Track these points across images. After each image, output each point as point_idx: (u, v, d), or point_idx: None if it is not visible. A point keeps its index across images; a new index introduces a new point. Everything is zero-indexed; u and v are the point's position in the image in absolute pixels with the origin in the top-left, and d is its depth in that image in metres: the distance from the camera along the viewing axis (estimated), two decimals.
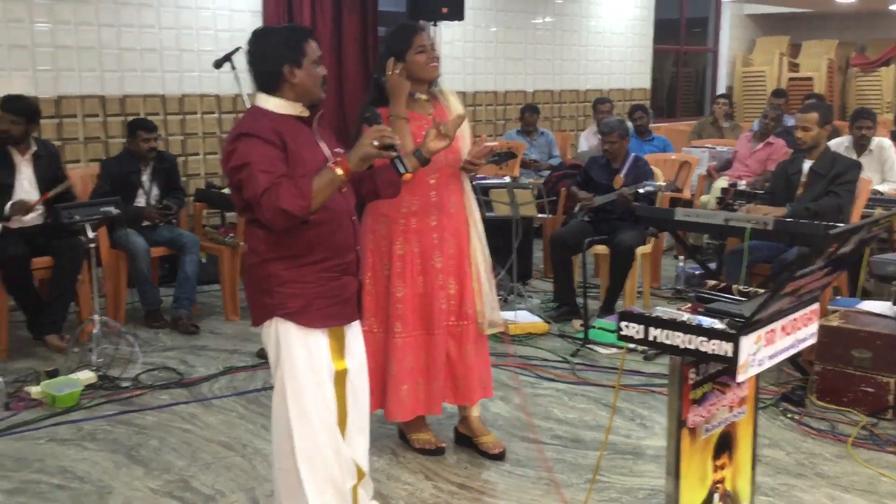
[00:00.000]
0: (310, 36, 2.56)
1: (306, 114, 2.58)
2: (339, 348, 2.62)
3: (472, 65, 8.81)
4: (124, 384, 4.28)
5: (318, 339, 2.56)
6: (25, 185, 4.83)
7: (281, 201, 2.32)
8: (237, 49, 4.94)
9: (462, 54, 8.67)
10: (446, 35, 8.21)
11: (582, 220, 5.43)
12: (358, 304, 2.68)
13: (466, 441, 3.57)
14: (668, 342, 2.13)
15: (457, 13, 7.61)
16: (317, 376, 2.54)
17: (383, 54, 3.31)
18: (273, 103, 2.54)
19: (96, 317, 4.53)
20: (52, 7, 5.99)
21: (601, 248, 5.38)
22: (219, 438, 3.68)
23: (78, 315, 5.09)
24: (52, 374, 4.26)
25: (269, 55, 2.52)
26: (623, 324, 2.19)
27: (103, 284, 5.11)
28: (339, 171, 2.38)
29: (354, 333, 2.71)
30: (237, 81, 4.97)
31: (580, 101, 9.88)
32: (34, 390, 4.10)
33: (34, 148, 4.88)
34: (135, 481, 3.30)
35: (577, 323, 5.16)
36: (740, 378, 2.06)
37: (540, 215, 5.51)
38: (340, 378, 2.62)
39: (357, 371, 2.69)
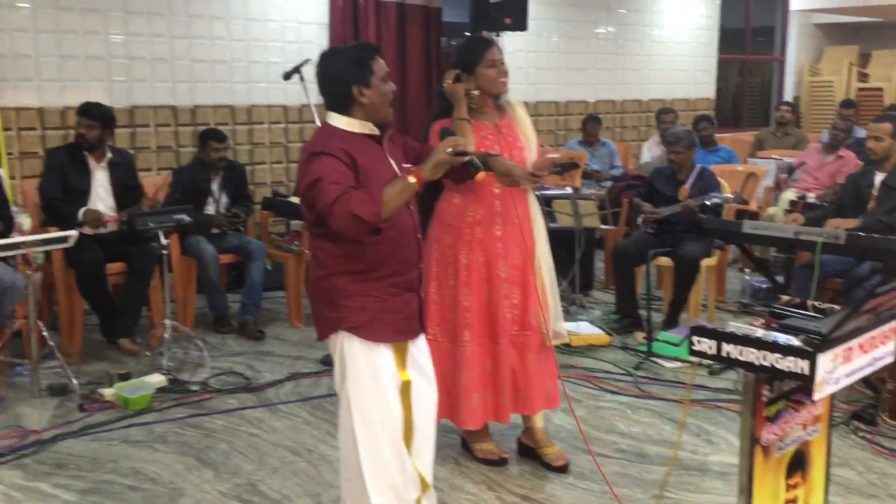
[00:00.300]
0: (377, 53, 2.60)
1: (376, 132, 2.61)
2: (402, 360, 2.65)
3: (535, 75, 8.81)
4: (193, 388, 4.38)
5: (383, 352, 2.59)
6: (100, 192, 4.98)
7: (352, 206, 2.37)
8: (306, 61, 5.03)
9: (524, 64, 8.68)
10: (509, 45, 8.22)
11: (645, 232, 5.39)
12: (420, 319, 2.72)
13: (529, 452, 3.57)
14: (741, 358, 2.10)
15: (520, 24, 7.63)
16: (381, 388, 2.58)
17: (453, 65, 3.34)
18: (344, 122, 2.58)
19: (167, 321, 4.65)
20: (126, 19, 6.18)
21: (665, 260, 5.33)
22: (285, 443, 3.75)
23: (149, 319, 5.23)
24: (125, 377, 4.38)
25: (338, 76, 2.56)
26: (695, 339, 2.18)
27: (174, 290, 5.24)
28: (412, 179, 2.44)
29: (420, 346, 2.74)
30: (305, 92, 5.05)
31: (642, 111, 9.80)
32: (107, 392, 4.22)
33: (110, 155, 5.02)
34: (204, 484, 3.37)
35: (639, 335, 5.12)
36: (817, 396, 2.03)
37: (603, 226, 5.48)
38: (405, 389, 2.65)
39: (423, 382, 2.72)
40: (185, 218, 4.63)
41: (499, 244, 3.34)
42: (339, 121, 2.59)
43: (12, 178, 5.69)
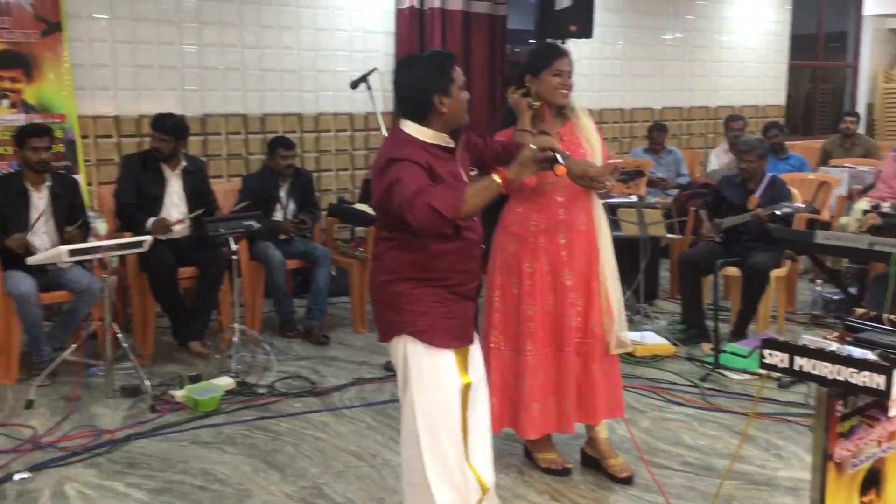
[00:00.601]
0: (455, 61, 2.61)
1: (451, 144, 2.62)
2: (463, 363, 2.67)
3: (600, 82, 8.75)
4: (261, 391, 4.46)
5: (445, 355, 2.62)
6: (174, 199, 5.11)
7: (433, 200, 2.35)
8: (373, 70, 5.12)
9: (589, 71, 8.63)
10: (574, 52, 8.16)
11: (713, 241, 5.31)
12: (474, 325, 2.75)
13: (593, 463, 3.55)
14: (814, 372, 2.06)
15: (586, 31, 7.58)
16: (444, 392, 2.61)
17: (521, 68, 3.35)
18: (415, 129, 2.58)
19: (236, 325, 4.75)
20: (200, 30, 6.34)
21: (733, 270, 5.24)
22: (349, 448, 3.79)
23: (219, 323, 5.34)
24: (195, 379, 4.48)
25: (420, 85, 2.55)
26: (766, 351, 2.14)
27: (242, 294, 5.34)
28: (497, 179, 2.39)
29: (475, 351, 2.76)
30: (372, 101, 5.12)
31: (710, 118, 9.65)
32: (178, 394, 4.32)
33: (183, 163, 5.15)
34: (271, 486, 3.43)
35: (706, 346, 5.04)
36: (893, 412, 1.98)
37: (669, 235, 5.42)
38: (465, 392, 2.67)
39: (477, 385, 2.73)
40: (254, 224, 4.72)
41: (563, 252, 3.33)
42: (412, 128, 2.58)
43: (89, 184, 5.88)
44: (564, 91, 3.30)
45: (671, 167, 8.07)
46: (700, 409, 4.24)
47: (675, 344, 5.07)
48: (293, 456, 3.71)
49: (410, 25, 7.15)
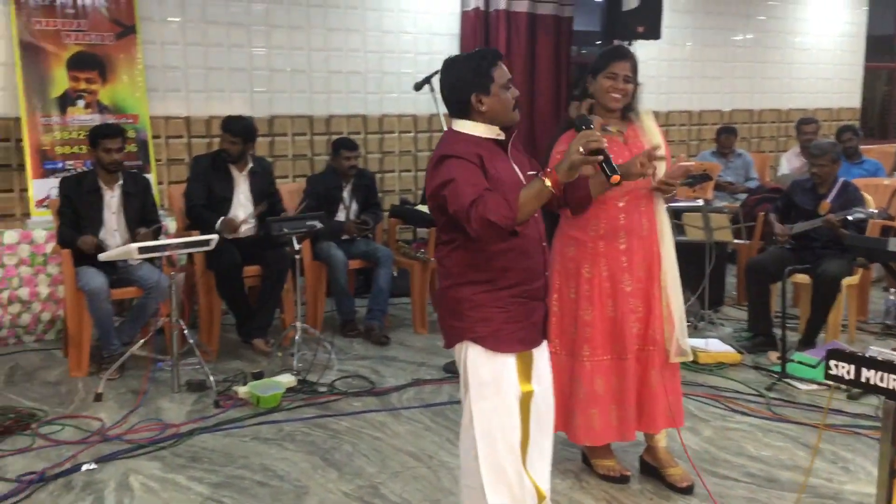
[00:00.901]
0: (498, 59, 2.57)
1: (502, 137, 2.61)
2: (526, 371, 2.64)
3: (667, 84, 8.63)
4: (321, 389, 4.51)
5: (506, 362, 2.59)
6: (241, 199, 5.21)
7: (488, 213, 2.33)
8: (436, 72, 5.09)
9: (656, 73, 8.51)
10: (641, 54, 8.02)
11: (782, 247, 5.18)
12: (544, 328, 2.71)
13: (652, 471, 3.49)
14: (882, 385, 1.99)
15: (654, 32, 7.48)
16: (503, 399, 2.58)
17: (587, 70, 3.33)
18: (469, 126, 2.58)
19: (298, 324, 4.81)
20: (269, 33, 6.44)
21: (802, 278, 5.11)
22: (407, 448, 3.80)
23: (282, 321, 5.42)
24: (258, 376, 4.56)
25: (457, 85, 2.56)
26: (832, 362, 2.08)
27: (305, 293, 5.42)
28: (547, 182, 2.35)
29: (542, 355, 2.72)
30: (435, 102, 5.13)
31: (781, 120, 9.44)
32: (241, 390, 4.40)
33: (251, 165, 5.25)
34: (329, 483, 3.47)
35: (773, 355, 4.92)
36: None
37: (736, 241, 5.31)
38: (526, 400, 2.64)
39: (543, 393, 2.70)
40: (317, 224, 4.78)
41: (623, 258, 3.28)
42: (464, 126, 2.59)
43: (160, 183, 6.03)
44: (616, 95, 3.24)
45: (740, 171, 7.90)
46: (765, 419, 4.14)
47: (740, 352, 4.96)
48: (351, 454, 3.74)
49: (475, 27, 7.16)
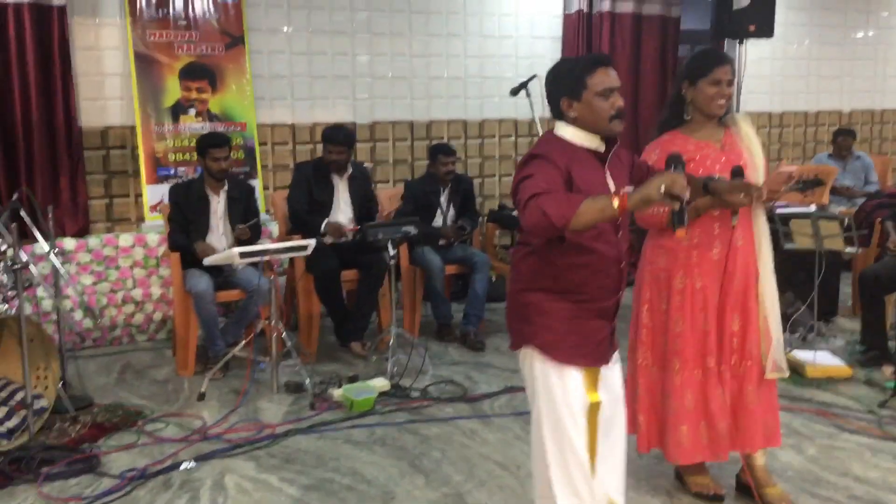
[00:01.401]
0: (599, 65, 2.49)
1: (601, 149, 2.55)
2: (592, 381, 2.60)
3: (781, 84, 8.30)
4: (414, 394, 4.54)
5: (572, 372, 2.56)
6: (341, 204, 5.31)
7: (546, 204, 2.26)
8: (533, 77, 5.08)
9: (770, 73, 8.20)
10: (752, 53, 7.79)
11: None
12: (611, 346, 2.65)
13: (748, 490, 3.35)
14: None
15: (766, 30, 7.21)
16: (570, 408, 2.55)
17: (681, 73, 3.22)
18: (567, 132, 2.55)
19: (393, 328, 4.86)
20: (371, 40, 6.54)
21: None
22: (495, 457, 3.78)
23: (378, 325, 5.49)
24: (353, 380, 4.63)
25: (551, 88, 2.56)
26: None
27: (402, 298, 5.47)
28: (615, 204, 2.24)
29: (611, 368, 2.67)
30: (531, 107, 5.10)
31: None
32: (336, 393, 4.48)
33: (350, 170, 5.34)
34: (415, 490, 3.48)
35: (888, 370, 4.66)
36: None
37: (848, 249, 5.03)
38: (593, 410, 2.60)
39: (611, 404, 2.65)
40: (412, 230, 4.82)
41: (717, 268, 3.17)
42: (564, 130, 2.56)
43: (266, 188, 6.21)
44: (722, 102, 3.13)
45: (859, 174, 7.53)
46: (875, 437, 3.92)
47: (851, 366, 4.71)
48: (439, 461, 3.75)
49: (577, 30, 7.06)
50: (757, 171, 3.16)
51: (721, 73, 3.11)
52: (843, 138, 7.55)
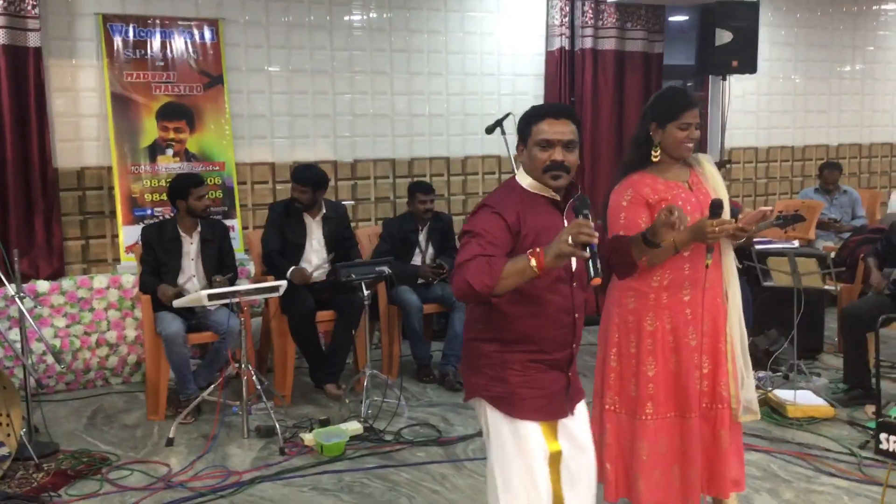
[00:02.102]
0: (548, 116, 2.46)
1: (557, 197, 2.50)
2: (551, 431, 2.51)
3: (767, 118, 8.29)
4: (387, 437, 4.46)
5: (528, 425, 2.47)
6: (315, 245, 5.26)
7: (469, 274, 2.25)
8: (507, 115, 5.07)
9: (756, 108, 8.20)
10: (737, 89, 7.82)
11: (881, 293, 4.83)
12: (569, 398, 2.56)
13: None
14: None
15: (749, 66, 7.25)
16: (526, 460, 2.45)
17: (647, 114, 3.17)
18: (525, 179, 2.52)
19: (367, 369, 4.79)
20: (352, 79, 6.54)
21: None
22: (463, 503, 3.69)
23: (354, 365, 5.41)
24: (324, 423, 4.55)
25: (517, 131, 2.55)
26: (882, 436, 1.87)
27: (381, 337, 5.39)
28: (533, 263, 2.21)
29: (575, 420, 2.58)
30: (506, 145, 5.08)
31: (894, 155, 8.91)
32: (307, 437, 4.39)
33: (324, 210, 5.29)
34: None
35: (869, 409, 4.57)
36: None
37: (826, 287, 4.97)
38: (555, 459, 2.51)
39: (574, 454, 2.56)
40: (385, 270, 4.76)
41: (687, 310, 3.09)
42: (521, 177, 2.53)
43: (245, 227, 6.17)
44: (690, 145, 3.10)
45: (846, 208, 7.50)
46: (855, 480, 3.82)
47: (832, 405, 4.62)
48: None
49: (560, 67, 7.07)
50: (724, 211, 3.10)
51: (690, 116, 3.07)
52: (829, 172, 7.52)
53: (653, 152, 3.11)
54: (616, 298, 3.19)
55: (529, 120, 2.48)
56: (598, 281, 2.22)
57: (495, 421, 2.48)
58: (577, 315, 2.52)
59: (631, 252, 2.69)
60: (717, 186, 3.18)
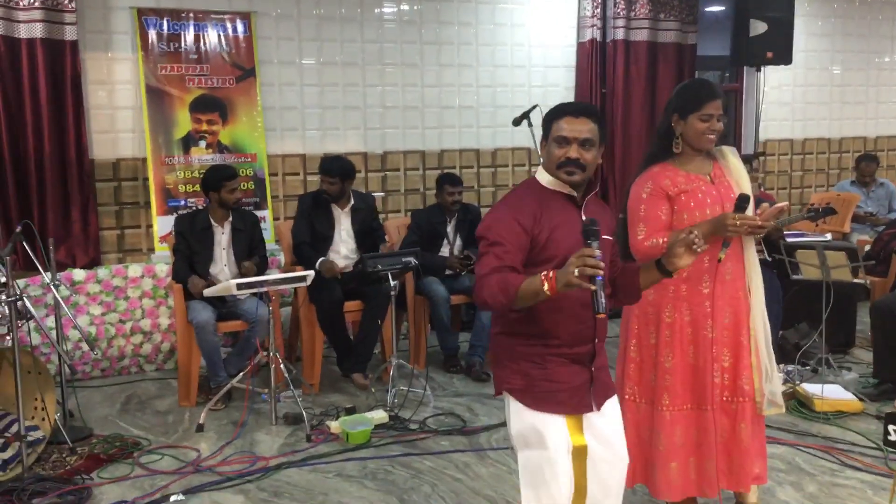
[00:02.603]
0: (567, 114, 2.48)
1: (573, 193, 2.52)
2: (576, 425, 2.51)
3: (803, 110, 8.20)
4: (412, 426, 4.50)
5: (551, 417, 2.48)
6: (343, 235, 5.32)
7: (484, 291, 2.34)
8: (534, 107, 5.08)
9: (791, 99, 8.11)
10: (772, 80, 7.73)
11: None
12: (595, 394, 2.55)
13: None
14: None
15: (784, 57, 7.16)
16: (547, 452, 2.47)
17: (670, 106, 3.15)
18: (543, 176, 2.55)
19: (394, 359, 4.84)
20: (383, 71, 6.59)
21: None
22: (485, 492, 3.72)
23: (382, 355, 5.46)
24: (350, 412, 4.61)
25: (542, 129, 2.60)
26: (892, 427, 1.87)
27: (409, 328, 5.44)
28: (546, 287, 2.23)
29: (603, 416, 2.58)
30: (533, 137, 5.08)
31: None
32: (333, 425, 4.45)
33: (352, 202, 5.34)
34: None
35: None
36: None
37: (856, 280, 4.91)
38: (579, 454, 2.51)
39: (603, 451, 2.55)
40: (412, 261, 4.80)
41: (706, 302, 3.09)
42: (540, 174, 2.57)
43: (276, 218, 6.25)
44: (712, 136, 3.08)
45: (883, 201, 7.39)
46: (880, 475, 3.78)
47: (861, 399, 4.57)
48: (428, 496, 3.70)
49: (591, 58, 7.05)
50: (748, 206, 3.07)
51: (712, 107, 3.06)
52: (866, 164, 7.41)
53: (674, 143, 3.12)
54: None
55: (551, 117, 2.53)
56: (602, 316, 2.24)
57: (518, 414, 2.51)
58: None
59: (637, 280, 2.65)
60: (739, 180, 3.16)
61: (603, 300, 2.21)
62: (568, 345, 2.50)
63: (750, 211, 3.06)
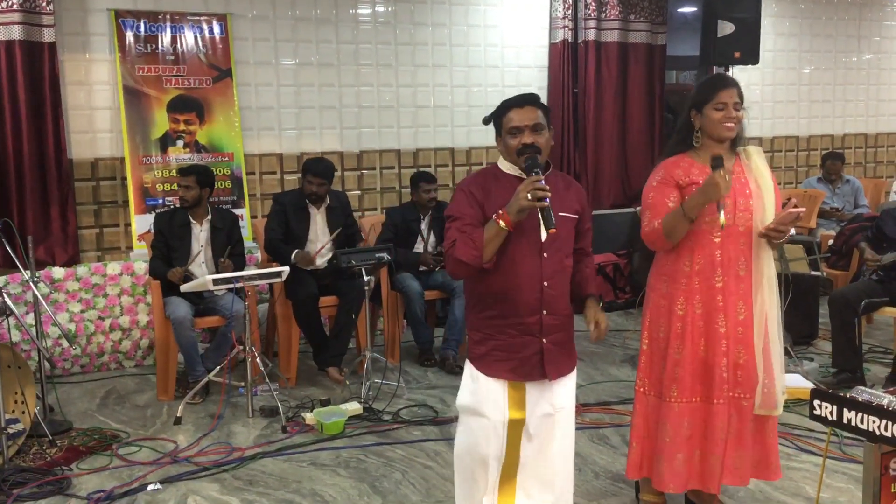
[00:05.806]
0: (512, 107, 2.72)
1: (523, 176, 2.66)
2: (518, 399, 2.73)
3: (771, 109, 8.38)
4: (385, 417, 4.62)
5: (495, 386, 2.72)
6: (318, 234, 5.42)
7: (457, 252, 2.63)
8: None
9: (760, 98, 8.29)
10: (741, 79, 7.81)
11: (869, 279, 4.93)
12: (543, 364, 2.73)
13: None
14: (862, 426, 1.91)
15: (751, 57, 7.31)
16: (482, 418, 2.72)
17: (688, 102, 3.18)
18: (504, 164, 2.79)
19: (368, 352, 4.96)
20: (358, 71, 6.70)
21: (892, 311, 4.84)
22: (454, 478, 3.83)
23: (357, 349, 5.58)
24: (325, 403, 4.72)
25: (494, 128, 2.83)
26: (816, 402, 2.01)
27: (385, 323, 5.56)
28: (501, 224, 2.55)
29: (551, 387, 2.76)
30: None
31: None
32: (308, 417, 4.57)
33: (328, 201, 5.45)
34: None
35: None
36: None
37: (813, 273, 5.08)
38: (515, 426, 2.73)
39: (542, 424, 2.76)
40: (385, 256, 4.92)
41: (718, 296, 3.08)
42: (502, 162, 2.81)
43: (254, 216, 6.35)
44: (730, 124, 3.06)
45: (848, 197, 7.59)
46: (834, 458, 3.94)
47: (820, 388, 4.72)
48: (399, 482, 3.82)
49: (563, 59, 7.19)
50: (763, 203, 3.09)
51: (725, 95, 3.06)
52: (832, 162, 7.61)
53: (694, 137, 3.13)
54: (652, 284, 3.24)
55: (498, 114, 2.77)
56: (553, 231, 2.52)
57: (469, 381, 2.77)
58: (545, 283, 2.69)
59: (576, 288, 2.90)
60: (760, 180, 3.12)
61: (552, 217, 2.51)
62: (515, 315, 2.70)
63: (770, 210, 3.08)
